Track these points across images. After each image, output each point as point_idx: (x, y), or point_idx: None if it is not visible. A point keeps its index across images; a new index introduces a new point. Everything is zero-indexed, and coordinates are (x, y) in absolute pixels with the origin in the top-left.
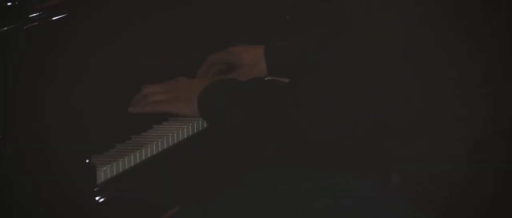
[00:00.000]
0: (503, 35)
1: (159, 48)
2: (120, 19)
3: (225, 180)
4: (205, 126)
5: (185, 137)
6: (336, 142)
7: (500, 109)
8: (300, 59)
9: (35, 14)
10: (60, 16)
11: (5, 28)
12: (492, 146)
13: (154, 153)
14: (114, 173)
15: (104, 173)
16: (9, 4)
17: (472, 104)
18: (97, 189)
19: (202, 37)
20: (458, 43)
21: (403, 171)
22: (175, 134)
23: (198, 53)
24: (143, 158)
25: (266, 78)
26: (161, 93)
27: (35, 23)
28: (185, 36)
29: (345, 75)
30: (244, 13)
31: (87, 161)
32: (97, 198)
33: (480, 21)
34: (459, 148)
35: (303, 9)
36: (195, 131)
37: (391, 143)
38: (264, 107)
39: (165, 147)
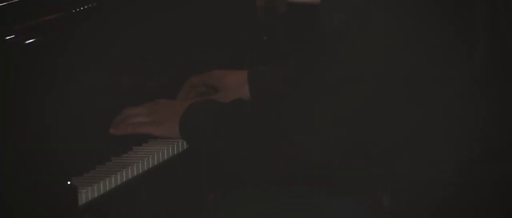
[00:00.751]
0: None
1: (136, 71)
2: (96, 43)
3: (206, 202)
4: (185, 148)
5: (165, 158)
6: (319, 164)
7: (487, 129)
8: (282, 83)
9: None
10: (34, 39)
11: None
12: (479, 167)
13: (135, 174)
14: (95, 195)
15: (85, 195)
16: None
17: (458, 124)
18: (78, 211)
19: (177, 59)
20: (442, 63)
21: (388, 192)
22: (155, 156)
23: (173, 74)
24: (124, 180)
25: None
26: (142, 115)
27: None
28: (160, 58)
29: (328, 96)
30: (220, 34)
31: (68, 182)
32: None
33: (460, 42)
34: (445, 169)
35: (280, 30)
36: (175, 153)
37: (375, 164)
38: (247, 129)
39: (145, 169)
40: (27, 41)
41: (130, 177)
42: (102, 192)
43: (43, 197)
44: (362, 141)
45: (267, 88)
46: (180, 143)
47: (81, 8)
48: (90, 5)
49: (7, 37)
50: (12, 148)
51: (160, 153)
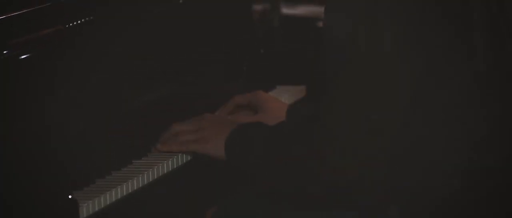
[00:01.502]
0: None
1: (134, 83)
2: (92, 56)
3: (206, 215)
4: (185, 161)
5: (165, 172)
6: (354, 181)
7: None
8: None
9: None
10: (27, 55)
11: None
12: (490, 177)
13: (135, 188)
14: (96, 209)
15: (86, 209)
16: None
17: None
18: None
19: (175, 71)
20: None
21: (401, 204)
22: (155, 169)
23: (172, 87)
24: (124, 194)
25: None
26: (189, 132)
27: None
28: (158, 70)
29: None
30: (216, 47)
31: (69, 196)
32: None
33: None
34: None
35: (276, 43)
36: (175, 166)
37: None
38: (289, 153)
39: (145, 182)
40: (23, 56)
41: (130, 191)
42: (102, 206)
43: (44, 211)
44: (387, 155)
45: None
46: (179, 157)
47: (75, 23)
48: (83, 20)
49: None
50: (13, 163)
51: (160, 167)
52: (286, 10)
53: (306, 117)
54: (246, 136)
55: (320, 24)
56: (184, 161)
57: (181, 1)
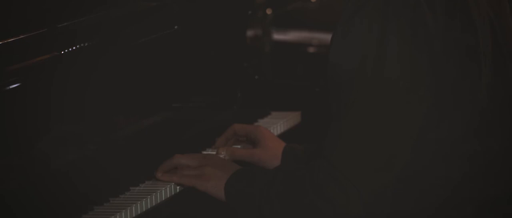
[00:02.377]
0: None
1: (127, 110)
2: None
3: None
4: (182, 189)
5: (163, 199)
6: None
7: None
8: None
9: None
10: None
11: None
12: (500, 207)
13: (134, 215)
14: None
15: None
16: None
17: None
18: None
19: (169, 97)
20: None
21: None
22: (153, 196)
23: (165, 112)
24: None
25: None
26: (191, 166)
27: None
28: (149, 96)
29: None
30: (211, 74)
31: None
32: None
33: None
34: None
35: (270, 69)
36: (173, 193)
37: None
38: (286, 199)
39: (144, 210)
40: (19, 83)
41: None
42: None
43: None
44: (395, 189)
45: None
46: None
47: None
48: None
49: None
50: (11, 189)
51: (158, 194)
52: (277, 36)
53: (301, 160)
54: (246, 181)
55: (311, 49)
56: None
57: (176, 27)
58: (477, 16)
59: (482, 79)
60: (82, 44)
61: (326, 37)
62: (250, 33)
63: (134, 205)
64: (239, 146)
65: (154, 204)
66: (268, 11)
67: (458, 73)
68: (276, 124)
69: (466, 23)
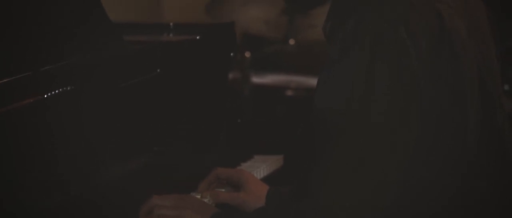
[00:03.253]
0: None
1: (109, 153)
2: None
3: None
4: None
5: None
6: None
7: None
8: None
9: None
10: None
11: None
12: None
13: None
14: None
15: None
16: None
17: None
18: None
19: (151, 140)
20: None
21: None
22: None
23: (148, 154)
24: None
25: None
26: (168, 207)
27: None
28: (132, 139)
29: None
30: (193, 116)
31: None
32: None
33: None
34: None
35: (250, 112)
36: None
37: None
38: None
39: None
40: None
41: None
42: None
43: None
44: None
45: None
46: None
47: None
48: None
49: None
50: None
51: None
52: (256, 80)
53: (286, 201)
54: None
55: (289, 92)
56: None
57: (158, 70)
58: (463, 57)
59: (468, 120)
60: (64, 88)
61: (304, 80)
62: (229, 76)
63: None
64: (223, 190)
65: None
66: (247, 54)
67: (444, 114)
68: (259, 168)
69: (453, 64)
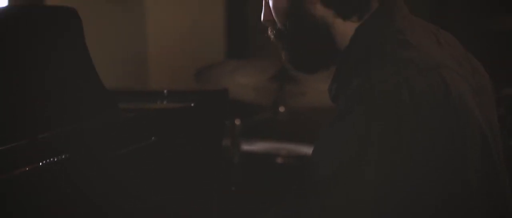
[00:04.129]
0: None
1: None
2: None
3: None
4: None
5: None
6: None
7: None
8: None
9: None
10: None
11: None
12: None
13: None
14: None
15: None
16: None
17: None
18: None
19: (145, 208)
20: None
21: None
22: None
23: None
24: None
25: None
26: None
27: None
28: (126, 206)
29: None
30: (186, 186)
31: None
32: None
33: None
34: None
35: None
36: None
37: None
38: None
39: None
40: None
41: None
42: None
43: None
44: None
45: None
46: None
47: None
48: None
49: None
50: None
51: None
52: (246, 147)
53: None
54: None
55: (279, 160)
56: None
57: (153, 138)
58: (467, 125)
59: (468, 171)
60: (60, 157)
61: (295, 147)
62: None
63: None
64: None
65: None
66: (237, 122)
67: (442, 167)
68: None
69: (455, 129)
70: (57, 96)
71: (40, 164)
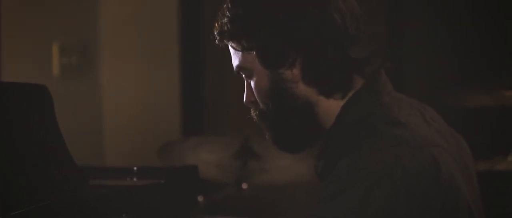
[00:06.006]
0: None
1: None
2: None
3: None
4: None
5: None
6: None
7: None
8: None
9: None
10: None
11: None
12: None
13: None
14: None
15: None
16: None
17: None
18: None
19: None
20: None
21: None
22: None
23: None
24: None
25: None
26: None
27: None
28: None
29: None
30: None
31: None
32: None
33: None
34: None
35: None
36: None
37: None
38: None
39: None
40: None
41: None
42: None
43: None
44: None
45: None
46: None
47: None
48: None
49: None
50: None
51: None
52: None
53: None
54: None
55: None
56: None
57: (123, 216)
58: (451, 187)
59: None
60: None
61: None
62: None
63: None
64: None
65: None
66: (200, 199)
67: None
68: None
69: (442, 197)
70: (29, 173)
71: None
